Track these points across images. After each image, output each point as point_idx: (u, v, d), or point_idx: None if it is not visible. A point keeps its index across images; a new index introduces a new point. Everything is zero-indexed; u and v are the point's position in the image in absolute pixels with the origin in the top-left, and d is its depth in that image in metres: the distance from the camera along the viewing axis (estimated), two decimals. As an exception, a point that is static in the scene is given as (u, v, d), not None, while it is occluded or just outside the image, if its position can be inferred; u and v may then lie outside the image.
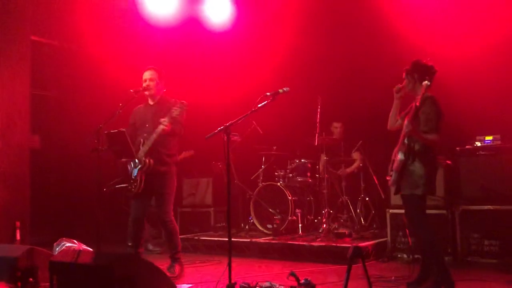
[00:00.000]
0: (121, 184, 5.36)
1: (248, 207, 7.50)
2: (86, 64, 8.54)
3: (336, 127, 7.73)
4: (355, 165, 7.57)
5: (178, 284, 4.48)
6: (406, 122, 4.31)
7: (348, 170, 7.52)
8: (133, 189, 5.24)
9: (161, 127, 5.16)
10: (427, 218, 4.42)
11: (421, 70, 4.45)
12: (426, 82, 4.25)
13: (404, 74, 4.56)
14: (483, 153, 5.74)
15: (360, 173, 7.41)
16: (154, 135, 5.20)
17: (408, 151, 4.35)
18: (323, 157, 7.27)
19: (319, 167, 7.28)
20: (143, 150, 5.26)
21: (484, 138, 5.80)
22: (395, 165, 4.41)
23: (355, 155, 7.60)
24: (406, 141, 4.37)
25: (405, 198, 4.44)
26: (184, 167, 7.65)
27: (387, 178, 4.56)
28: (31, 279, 4.44)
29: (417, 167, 4.32)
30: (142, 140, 5.33)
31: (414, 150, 4.35)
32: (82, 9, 7.94)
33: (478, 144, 5.81)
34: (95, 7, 8.00)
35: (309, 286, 4.06)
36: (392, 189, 4.66)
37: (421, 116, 4.33)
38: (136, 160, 5.27)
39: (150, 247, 7.47)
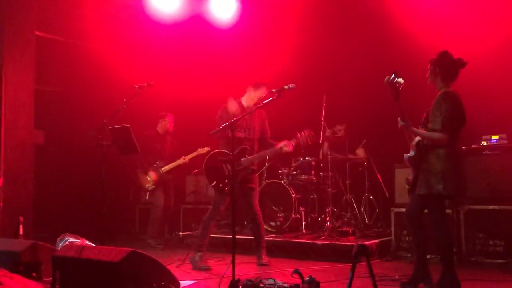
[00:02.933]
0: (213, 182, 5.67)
1: (252, 204, 7.46)
2: (91, 59, 8.53)
3: (340, 130, 7.66)
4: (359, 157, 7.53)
5: (182, 280, 4.46)
6: (399, 118, 4.22)
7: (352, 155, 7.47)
8: (226, 188, 5.56)
9: (286, 149, 5.55)
10: (445, 220, 4.27)
11: (444, 64, 4.21)
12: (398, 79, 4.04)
13: (428, 65, 4.30)
14: (489, 152, 5.70)
15: (365, 171, 7.38)
16: (268, 153, 5.74)
17: (418, 147, 4.25)
18: (326, 145, 7.30)
19: (322, 150, 7.26)
20: (250, 159, 5.64)
21: (490, 137, 5.76)
22: (407, 162, 4.33)
23: (359, 151, 7.54)
24: (417, 138, 4.28)
25: (421, 198, 4.25)
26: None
27: (408, 178, 4.45)
28: (34, 274, 4.43)
29: (431, 165, 4.14)
30: (248, 147, 5.69)
31: (426, 146, 4.19)
32: (87, 5, 7.93)
33: (484, 143, 5.77)
34: (100, 3, 7.99)
35: (313, 284, 4.02)
36: (407, 188, 4.48)
37: (430, 112, 4.18)
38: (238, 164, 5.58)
39: (153, 243, 7.46)
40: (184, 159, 7.54)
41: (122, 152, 5.44)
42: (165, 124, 7.82)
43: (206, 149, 7.28)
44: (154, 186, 7.52)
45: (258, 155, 5.75)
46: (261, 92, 5.70)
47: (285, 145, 5.55)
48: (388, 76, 4.09)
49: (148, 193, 7.55)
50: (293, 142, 5.54)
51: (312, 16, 7.80)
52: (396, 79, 4.07)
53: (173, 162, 7.60)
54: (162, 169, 7.57)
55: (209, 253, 6.36)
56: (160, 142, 7.79)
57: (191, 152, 7.52)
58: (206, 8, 8.38)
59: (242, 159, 5.63)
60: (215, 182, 5.61)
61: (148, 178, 7.54)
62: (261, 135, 5.89)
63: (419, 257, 4.42)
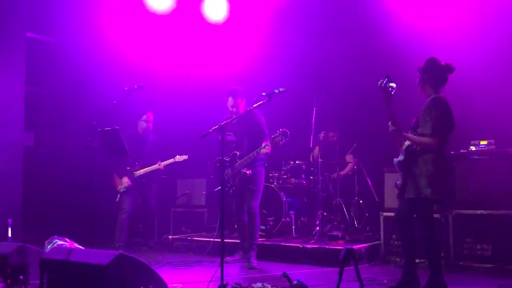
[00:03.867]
0: (218, 187, 5.86)
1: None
2: (82, 61, 8.49)
3: (333, 136, 7.68)
4: (348, 167, 7.57)
5: (170, 284, 4.45)
6: (390, 123, 4.26)
7: (342, 173, 7.51)
8: (231, 191, 6.04)
9: (264, 151, 5.72)
10: (433, 223, 4.30)
11: (432, 71, 4.27)
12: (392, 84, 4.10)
13: (417, 72, 4.36)
14: (477, 157, 5.74)
15: (354, 175, 7.40)
16: (255, 154, 5.79)
17: (407, 152, 4.28)
18: (317, 149, 7.36)
19: (312, 154, 7.30)
20: (241, 163, 5.90)
21: (479, 142, 5.80)
22: (397, 167, 4.36)
23: (349, 157, 7.58)
24: (406, 143, 4.31)
25: (409, 202, 4.28)
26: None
27: (397, 182, 4.48)
28: (21, 277, 4.40)
29: (419, 169, 4.18)
30: (237, 153, 5.98)
31: (415, 151, 4.23)
32: (79, 6, 7.91)
33: (473, 148, 5.81)
34: (92, 5, 7.97)
35: (301, 288, 4.04)
36: (396, 192, 4.51)
37: (420, 117, 4.24)
38: (233, 169, 5.97)
39: (118, 246, 7.19)
40: (159, 165, 7.08)
41: (111, 155, 5.43)
42: (142, 123, 7.26)
43: (184, 157, 6.99)
44: (125, 189, 7.03)
45: (245, 158, 5.90)
46: (229, 101, 6.00)
47: (263, 147, 5.71)
48: (382, 80, 4.15)
49: (119, 196, 7.07)
50: (270, 143, 5.69)
51: (304, 18, 7.83)
52: (389, 83, 4.12)
53: (150, 166, 7.11)
54: (135, 173, 7.10)
55: (198, 257, 6.38)
56: (138, 142, 7.20)
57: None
58: (197, 9, 8.37)
59: (235, 164, 5.91)
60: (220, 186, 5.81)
61: (122, 180, 7.15)
62: (256, 136, 5.96)
63: (407, 261, 4.44)
